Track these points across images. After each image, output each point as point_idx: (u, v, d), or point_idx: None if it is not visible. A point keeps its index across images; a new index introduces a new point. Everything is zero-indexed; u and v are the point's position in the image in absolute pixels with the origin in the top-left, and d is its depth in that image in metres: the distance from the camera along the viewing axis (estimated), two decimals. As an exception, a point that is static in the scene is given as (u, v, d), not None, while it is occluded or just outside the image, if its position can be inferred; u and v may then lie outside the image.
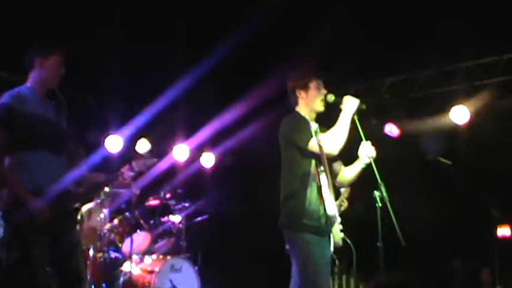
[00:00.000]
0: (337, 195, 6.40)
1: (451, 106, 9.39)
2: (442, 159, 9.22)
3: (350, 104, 5.08)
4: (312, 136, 4.96)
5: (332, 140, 5.02)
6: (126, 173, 5.33)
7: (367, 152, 5.15)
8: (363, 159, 5.19)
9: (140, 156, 5.56)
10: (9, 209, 4.72)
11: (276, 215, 5.24)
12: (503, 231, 9.76)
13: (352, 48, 9.00)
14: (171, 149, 10.42)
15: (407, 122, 9.90)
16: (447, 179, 9.69)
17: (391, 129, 9.87)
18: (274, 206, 5.30)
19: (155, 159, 5.63)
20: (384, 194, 4.97)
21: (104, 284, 7.97)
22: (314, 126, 5.08)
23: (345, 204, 7.12)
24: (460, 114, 9.33)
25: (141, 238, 8.37)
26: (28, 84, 4.97)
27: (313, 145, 4.97)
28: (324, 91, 5.23)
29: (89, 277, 7.76)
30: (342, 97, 5.17)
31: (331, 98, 5.18)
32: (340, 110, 5.16)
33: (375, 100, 9.95)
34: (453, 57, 9.37)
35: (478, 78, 9.35)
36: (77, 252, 5.01)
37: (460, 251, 9.79)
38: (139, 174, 5.91)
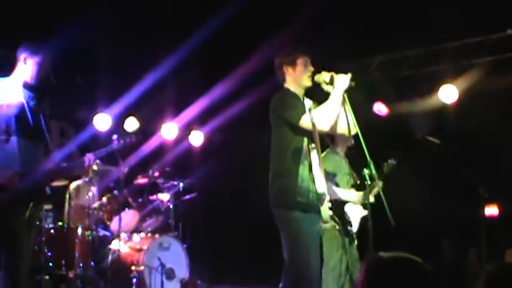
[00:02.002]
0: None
1: (440, 85, 9.40)
2: (431, 138, 9.22)
3: (341, 82, 5.06)
4: (304, 112, 4.97)
5: (323, 117, 5.01)
6: (90, 158, 5.42)
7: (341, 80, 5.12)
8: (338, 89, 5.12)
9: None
10: None
11: (265, 192, 5.24)
12: (490, 210, 9.79)
13: (341, 26, 8.98)
14: (160, 128, 10.39)
15: (395, 101, 9.91)
16: (435, 158, 9.70)
17: (380, 108, 9.88)
18: (263, 184, 5.30)
19: (133, 137, 5.80)
20: (373, 171, 4.97)
21: (92, 262, 7.99)
22: (308, 103, 5.09)
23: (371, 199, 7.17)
24: (448, 94, 9.35)
25: (129, 216, 8.38)
26: (13, 74, 5.27)
27: (305, 122, 4.97)
28: (311, 68, 5.23)
29: (77, 255, 7.79)
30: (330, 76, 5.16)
31: (319, 77, 5.17)
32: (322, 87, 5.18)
33: (363, 79, 9.94)
34: (441, 37, 9.36)
35: (466, 58, 9.35)
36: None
37: (448, 230, 9.84)
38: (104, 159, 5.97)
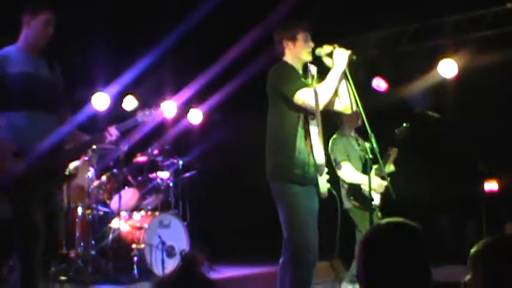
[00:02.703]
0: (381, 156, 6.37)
1: (439, 60, 9.37)
2: (430, 113, 9.21)
3: (341, 57, 5.03)
4: (300, 87, 4.96)
5: (320, 93, 4.99)
6: (112, 131, 5.24)
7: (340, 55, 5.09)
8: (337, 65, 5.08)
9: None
10: None
11: (265, 169, 5.23)
12: (490, 185, 9.79)
13: (339, 2, 8.94)
14: (159, 106, 10.34)
15: (395, 77, 9.88)
16: (434, 132, 9.71)
17: (379, 84, 9.86)
18: (262, 160, 5.29)
19: (158, 109, 5.56)
20: (375, 145, 4.96)
21: (93, 241, 8.01)
22: (314, 69, 5.08)
23: (391, 167, 7.15)
24: (448, 68, 9.32)
25: (129, 195, 8.38)
26: (18, 43, 4.97)
27: (299, 97, 4.96)
28: (312, 44, 5.21)
29: (78, 234, 7.80)
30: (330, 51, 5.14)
31: (319, 51, 5.15)
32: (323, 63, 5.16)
33: (362, 55, 9.91)
34: (440, 11, 9.31)
35: (465, 32, 9.31)
36: (57, 214, 5.14)
37: (447, 205, 9.85)
38: (126, 132, 5.78)
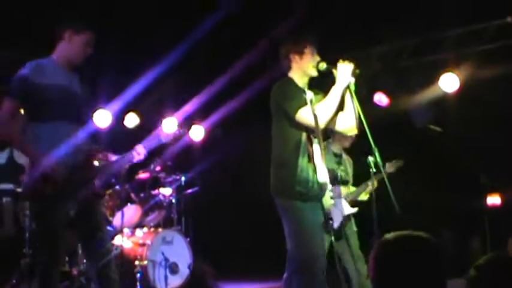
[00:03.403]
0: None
1: (441, 74, 9.36)
2: (432, 127, 9.22)
3: (344, 72, 5.02)
4: (303, 104, 4.95)
5: (320, 112, 4.99)
6: (141, 150, 5.22)
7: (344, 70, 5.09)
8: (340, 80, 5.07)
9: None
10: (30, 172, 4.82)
11: (267, 185, 5.21)
12: (493, 199, 9.76)
13: (340, 17, 8.95)
14: (160, 123, 10.36)
15: (396, 91, 9.87)
16: (437, 146, 9.69)
17: (381, 98, 9.85)
18: (265, 176, 5.28)
19: (182, 130, 5.53)
20: (378, 159, 4.94)
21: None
22: (309, 95, 5.06)
23: (366, 196, 7.19)
24: (449, 82, 9.31)
25: (131, 211, 8.37)
26: (53, 55, 5.01)
27: (301, 115, 4.95)
28: (317, 58, 5.20)
29: (80, 251, 7.77)
30: (333, 65, 5.13)
31: (322, 66, 5.14)
32: (330, 78, 5.14)
33: (363, 69, 9.90)
34: (442, 25, 9.32)
35: (467, 46, 9.31)
36: (95, 206, 5.06)
37: (449, 220, 9.82)
38: (153, 151, 5.72)
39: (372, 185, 7.19)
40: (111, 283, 4.89)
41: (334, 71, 5.07)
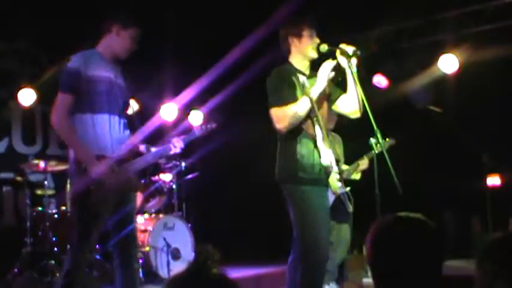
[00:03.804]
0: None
1: (440, 55, 9.35)
2: (433, 107, 9.21)
3: (344, 54, 5.04)
4: (285, 99, 4.94)
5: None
6: (178, 143, 5.25)
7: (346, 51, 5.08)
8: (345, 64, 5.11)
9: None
10: (74, 175, 4.82)
11: (268, 169, 5.22)
12: (493, 180, 9.77)
13: (338, 0, 8.91)
14: (159, 108, 10.34)
15: (395, 73, 9.86)
16: (437, 127, 9.69)
17: (380, 80, 9.83)
18: (265, 161, 5.28)
19: (214, 124, 5.50)
20: (380, 140, 4.94)
21: (97, 245, 7.97)
22: (302, 78, 5.04)
23: (357, 175, 7.18)
24: (448, 63, 9.30)
25: (132, 198, 8.35)
26: (99, 48, 5.03)
27: (272, 113, 4.98)
28: (317, 40, 5.18)
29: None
30: (335, 46, 5.12)
31: (324, 47, 5.12)
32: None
33: (363, 51, 9.87)
34: (440, 6, 9.29)
35: (465, 27, 9.29)
36: (132, 210, 5.10)
37: (450, 200, 9.82)
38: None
39: (362, 164, 7.20)
40: (134, 272, 5.00)
41: (337, 52, 5.07)
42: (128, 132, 5.06)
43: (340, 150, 7.49)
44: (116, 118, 4.92)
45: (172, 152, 5.25)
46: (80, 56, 4.87)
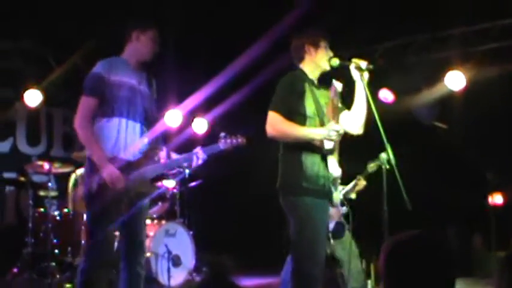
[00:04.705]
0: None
1: (446, 71, 9.36)
2: (438, 123, 9.22)
3: (359, 69, 5.05)
4: (288, 108, 4.93)
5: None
6: (201, 155, 5.19)
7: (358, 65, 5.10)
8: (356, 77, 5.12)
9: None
10: (88, 175, 4.87)
11: (271, 179, 5.19)
12: (496, 198, 9.75)
13: (345, 14, 8.93)
14: (163, 115, 10.37)
15: (402, 88, 9.87)
16: (442, 143, 9.69)
17: (386, 95, 9.84)
18: (269, 171, 5.26)
19: (241, 139, 5.48)
20: (391, 156, 4.92)
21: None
22: (339, 86, 5.03)
23: (353, 195, 7.19)
24: (455, 80, 9.31)
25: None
26: (123, 56, 5.09)
27: (271, 118, 4.90)
28: (330, 53, 5.19)
29: (83, 242, 7.77)
30: (346, 61, 5.13)
31: (335, 62, 5.12)
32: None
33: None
34: (447, 23, 9.31)
35: (473, 44, 9.31)
36: (142, 217, 5.14)
37: (454, 216, 9.82)
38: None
39: (359, 184, 7.19)
40: (138, 278, 5.01)
41: (351, 65, 5.08)
42: (146, 138, 5.07)
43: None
44: (135, 124, 4.96)
45: (194, 164, 5.21)
46: (105, 62, 4.96)
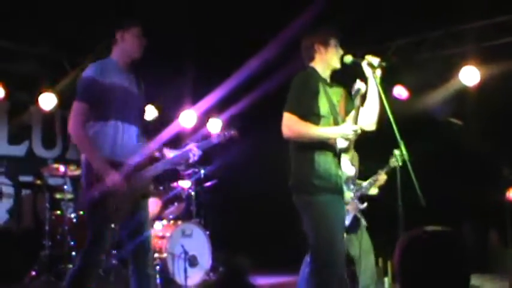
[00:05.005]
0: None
1: (461, 67, 9.31)
2: (453, 120, 9.16)
3: (372, 66, 5.04)
4: (299, 110, 4.93)
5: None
6: (196, 151, 5.21)
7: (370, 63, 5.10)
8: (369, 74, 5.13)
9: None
10: (86, 179, 4.86)
11: (285, 178, 5.19)
12: (511, 194, 9.67)
13: (359, 10, 8.91)
14: (178, 115, 10.39)
15: (416, 84, 9.82)
16: (457, 139, 9.63)
17: (400, 92, 9.81)
18: (283, 169, 5.26)
19: (232, 131, 5.50)
20: (404, 152, 4.90)
21: (113, 251, 8.00)
22: (362, 86, 5.02)
23: (375, 190, 7.21)
24: (469, 76, 9.26)
25: (151, 204, 8.34)
26: (112, 57, 5.10)
27: (286, 119, 4.92)
28: (341, 51, 5.18)
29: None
30: (358, 58, 5.12)
31: (348, 59, 5.11)
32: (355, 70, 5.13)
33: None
34: (462, 18, 9.25)
35: (487, 39, 9.25)
36: (146, 218, 5.14)
37: (470, 213, 9.76)
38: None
39: (381, 179, 7.19)
40: (149, 278, 4.99)
41: (364, 62, 5.07)
42: (142, 139, 5.11)
43: (356, 165, 7.49)
44: (130, 126, 4.97)
45: (190, 160, 5.23)
46: (95, 65, 4.95)
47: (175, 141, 9.78)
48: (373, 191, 7.28)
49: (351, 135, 4.89)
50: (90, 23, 8.83)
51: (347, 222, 6.81)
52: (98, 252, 4.85)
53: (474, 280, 7.53)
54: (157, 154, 5.22)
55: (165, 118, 9.96)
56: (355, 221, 6.93)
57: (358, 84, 4.98)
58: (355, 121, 4.94)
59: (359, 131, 4.93)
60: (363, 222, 7.17)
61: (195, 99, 10.42)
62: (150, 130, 5.66)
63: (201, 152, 5.22)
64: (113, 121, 4.87)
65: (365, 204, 7.11)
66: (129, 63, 5.11)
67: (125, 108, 4.94)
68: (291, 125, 4.90)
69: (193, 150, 5.17)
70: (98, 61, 5.01)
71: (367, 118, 5.18)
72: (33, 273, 8.01)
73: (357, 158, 7.45)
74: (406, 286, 2.48)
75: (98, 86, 4.82)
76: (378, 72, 5.04)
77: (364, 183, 7.24)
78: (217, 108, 10.72)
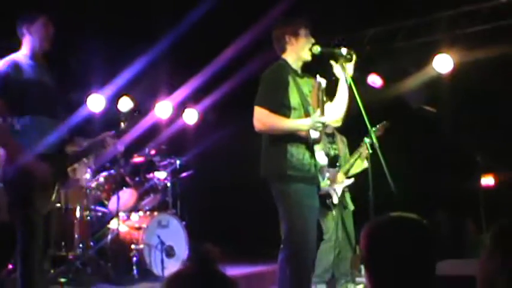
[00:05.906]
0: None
1: (434, 55, 9.37)
2: (427, 107, 9.22)
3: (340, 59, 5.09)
4: (270, 103, 4.96)
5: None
6: (108, 137, 5.31)
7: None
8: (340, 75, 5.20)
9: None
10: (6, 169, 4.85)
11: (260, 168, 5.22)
12: (487, 180, 9.77)
13: (333, 0, 8.92)
14: (154, 106, 10.36)
15: (390, 73, 9.87)
16: (431, 127, 9.70)
17: (374, 80, 9.85)
18: (259, 159, 5.28)
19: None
20: (374, 140, 4.96)
21: (91, 242, 7.99)
22: (323, 82, 5.06)
23: (364, 163, 7.28)
24: (443, 63, 9.32)
25: (127, 195, 8.37)
26: (23, 51, 5.10)
27: (258, 113, 5.01)
28: (312, 40, 5.20)
29: (76, 236, 7.78)
30: (328, 48, 5.15)
31: (316, 49, 5.15)
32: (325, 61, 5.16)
33: (357, 51, 9.89)
34: (435, 6, 9.30)
35: (460, 27, 9.30)
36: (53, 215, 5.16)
37: (444, 200, 9.84)
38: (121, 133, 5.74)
39: (363, 150, 7.27)
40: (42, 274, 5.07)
41: (335, 51, 5.11)
42: (64, 130, 5.13)
43: (344, 149, 7.57)
44: (49, 119, 4.99)
45: (109, 148, 5.40)
46: (9, 60, 4.96)
47: (153, 132, 9.82)
48: (363, 164, 7.34)
49: (320, 127, 4.94)
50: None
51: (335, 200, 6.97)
52: (31, 232, 4.88)
53: (446, 265, 7.59)
54: (70, 144, 5.31)
55: (141, 109, 9.91)
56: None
57: (319, 79, 5.03)
58: (322, 114, 4.99)
59: (327, 123, 4.99)
60: (350, 206, 7.30)
61: (171, 89, 10.40)
62: (125, 121, 5.67)
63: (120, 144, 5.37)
64: (30, 116, 4.87)
65: (352, 180, 7.25)
66: (41, 55, 5.14)
67: (42, 102, 4.95)
68: (262, 118, 4.96)
69: (108, 134, 5.29)
70: (11, 56, 5.01)
71: (333, 114, 5.26)
72: (11, 267, 7.96)
73: (345, 141, 7.57)
74: (371, 271, 2.50)
75: (12, 81, 4.84)
76: (349, 65, 5.09)
77: (350, 160, 7.36)
78: (194, 99, 10.70)
